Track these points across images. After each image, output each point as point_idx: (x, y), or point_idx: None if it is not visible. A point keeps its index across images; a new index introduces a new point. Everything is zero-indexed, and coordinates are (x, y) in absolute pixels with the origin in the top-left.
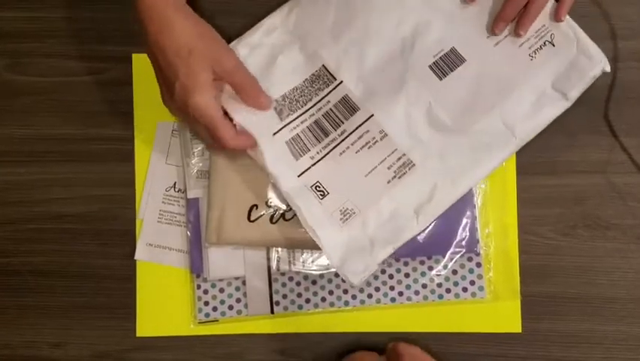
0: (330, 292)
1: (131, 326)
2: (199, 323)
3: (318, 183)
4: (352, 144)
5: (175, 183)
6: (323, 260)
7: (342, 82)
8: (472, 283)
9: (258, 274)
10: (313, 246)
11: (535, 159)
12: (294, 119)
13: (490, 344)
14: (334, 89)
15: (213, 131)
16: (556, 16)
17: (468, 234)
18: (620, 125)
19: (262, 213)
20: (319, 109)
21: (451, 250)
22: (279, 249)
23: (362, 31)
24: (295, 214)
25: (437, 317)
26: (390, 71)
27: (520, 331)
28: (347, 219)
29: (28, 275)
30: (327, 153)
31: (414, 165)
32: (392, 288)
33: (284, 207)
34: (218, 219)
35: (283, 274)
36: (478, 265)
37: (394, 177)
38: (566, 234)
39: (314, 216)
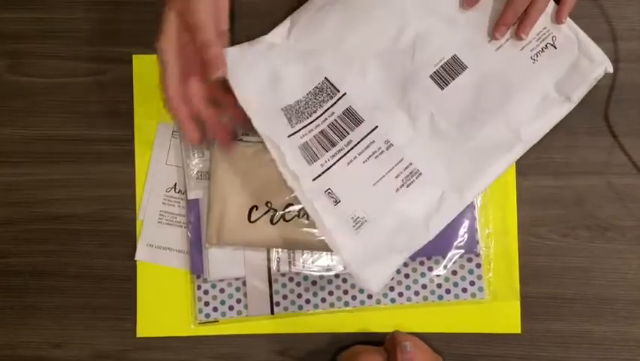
0: (330, 293)
1: (131, 327)
2: (199, 323)
3: (330, 190)
4: (359, 154)
5: (175, 184)
6: (323, 261)
7: (345, 94)
8: (472, 283)
9: (258, 275)
10: (313, 247)
11: (535, 160)
12: (301, 128)
13: (489, 345)
14: (338, 100)
15: (161, 75)
16: (557, 19)
17: (468, 234)
18: (620, 126)
19: (262, 214)
20: (324, 120)
21: (451, 250)
22: (279, 250)
23: (362, 44)
24: (295, 215)
25: (437, 317)
26: (392, 82)
27: (519, 332)
28: (359, 226)
29: (28, 275)
30: (336, 162)
31: (421, 173)
32: (392, 289)
33: (284, 208)
34: (219, 220)
35: (283, 274)
36: (478, 265)
37: (402, 185)
38: (565, 235)
39: (331, 221)
